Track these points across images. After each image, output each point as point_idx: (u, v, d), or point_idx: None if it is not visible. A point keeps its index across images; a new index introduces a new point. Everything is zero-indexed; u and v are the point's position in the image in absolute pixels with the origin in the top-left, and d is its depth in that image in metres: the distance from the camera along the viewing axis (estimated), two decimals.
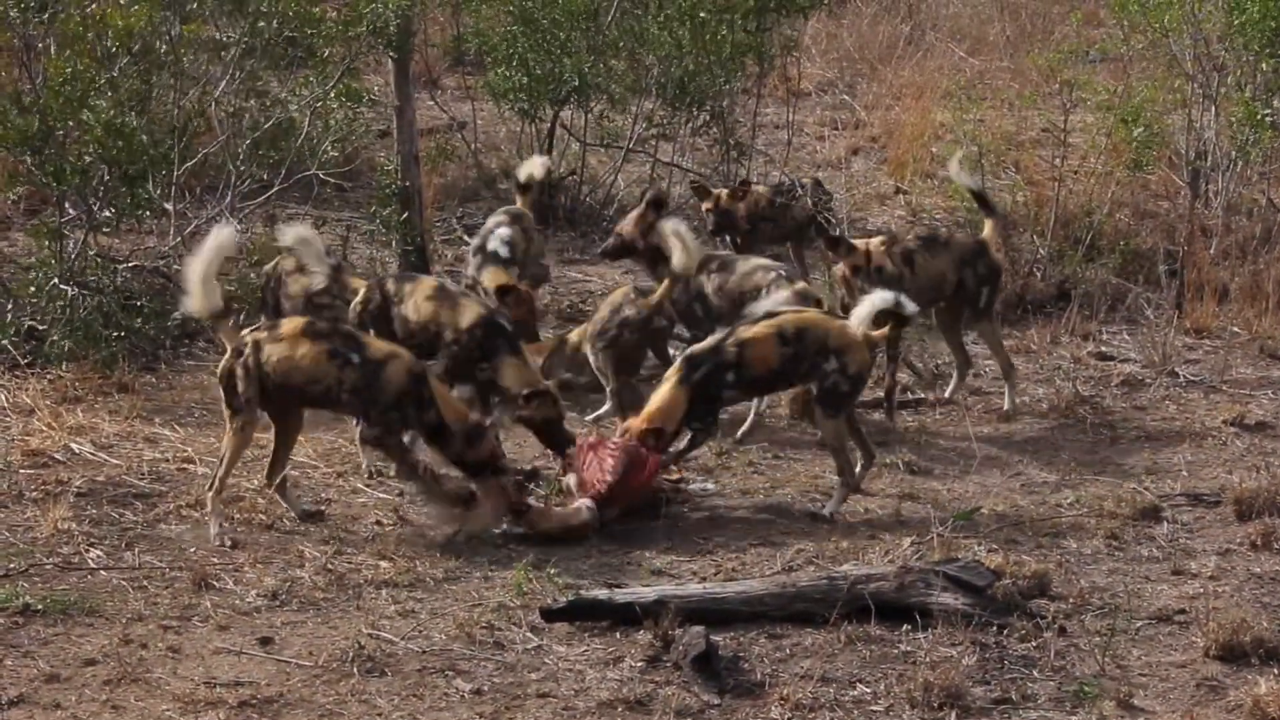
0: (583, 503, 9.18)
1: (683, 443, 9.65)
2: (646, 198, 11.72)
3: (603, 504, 9.17)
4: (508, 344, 9.87)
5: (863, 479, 9.75)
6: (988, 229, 11.20)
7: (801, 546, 9.04)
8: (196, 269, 8.97)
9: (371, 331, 9.81)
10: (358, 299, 10.21)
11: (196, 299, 9.00)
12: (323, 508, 9.37)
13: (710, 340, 9.57)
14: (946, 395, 11.15)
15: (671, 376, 9.48)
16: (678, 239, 10.18)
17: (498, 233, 11.72)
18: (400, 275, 10.70)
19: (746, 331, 9.47)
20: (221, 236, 9.02)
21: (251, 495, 9.37)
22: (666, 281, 10.50)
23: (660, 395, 9.44)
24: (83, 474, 9.60)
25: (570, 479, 9.39)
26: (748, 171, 14.38)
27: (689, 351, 9.61)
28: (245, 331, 9.16)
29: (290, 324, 9.19)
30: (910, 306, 9.66)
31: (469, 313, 9.93)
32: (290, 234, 10.05)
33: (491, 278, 11.32)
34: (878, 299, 9.55)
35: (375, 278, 10.62)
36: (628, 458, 9.22)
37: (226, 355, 9.08)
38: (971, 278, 10.94)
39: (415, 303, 10.03)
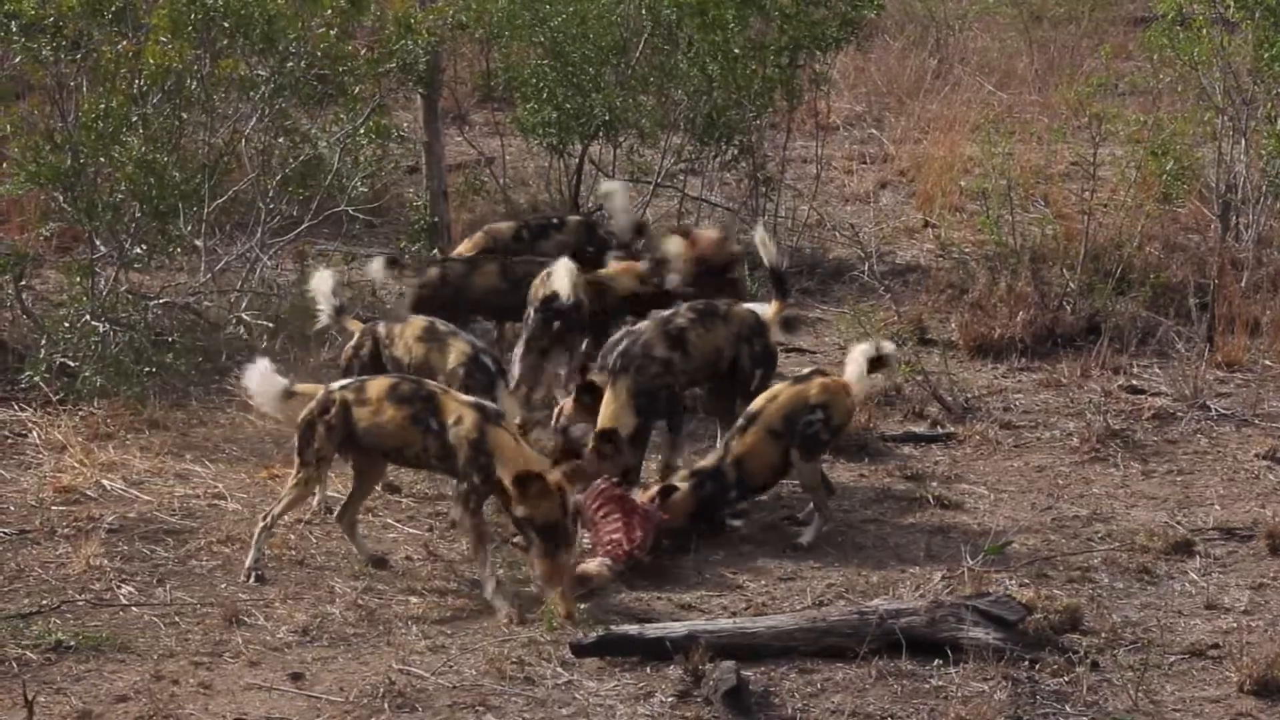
0: (602, 562, 9.02)
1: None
2: None
3: (618, 564, 9.06)
4: (493, 383, 9.74)
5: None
6: (771, 309, 10.36)
7: (832, 581, 9.03)
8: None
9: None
10: (349, 344, 10.21)
11: (266, 402, 9.23)
12: (389, 556, 9.27)
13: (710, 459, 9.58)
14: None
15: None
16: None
17: None
18: (391, 318, 10.47)
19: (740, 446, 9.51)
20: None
21: (283, 532, 9.38)
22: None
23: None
24: (114, 510, 9.63)
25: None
26: (777, 206, 14.38)
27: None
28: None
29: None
30: (890, 349, 9.85)
31: (456, 352, 9.83)
32: (316, 278, 10.40)
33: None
34: (863, 351, 9.70)
35: (369, 323, 10.35)
36: (654, 526, 9.14)
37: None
38: (748, 357, 10.18)
39: (406, 344, 9.99)
